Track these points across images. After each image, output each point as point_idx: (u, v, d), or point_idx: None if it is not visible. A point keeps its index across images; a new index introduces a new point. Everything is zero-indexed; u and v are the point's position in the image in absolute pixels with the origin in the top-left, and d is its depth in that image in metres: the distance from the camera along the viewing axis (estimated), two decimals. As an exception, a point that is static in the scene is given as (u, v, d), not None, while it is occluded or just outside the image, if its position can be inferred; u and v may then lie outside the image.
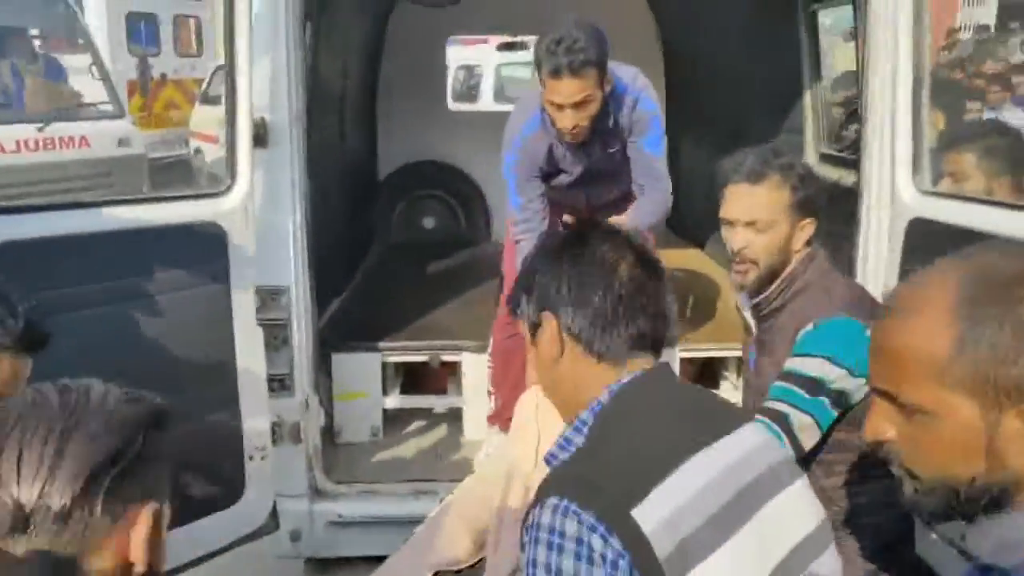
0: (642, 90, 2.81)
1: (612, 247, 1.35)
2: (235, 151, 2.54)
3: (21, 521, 0.89)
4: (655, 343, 1.36)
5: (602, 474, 1.18)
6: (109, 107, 7.52)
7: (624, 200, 3.09)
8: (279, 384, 2.91)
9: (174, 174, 10.29)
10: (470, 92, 11.77)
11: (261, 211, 2.71)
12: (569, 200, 3.05)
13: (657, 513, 1.13)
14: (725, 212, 2.11)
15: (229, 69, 2.49)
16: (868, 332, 1.01)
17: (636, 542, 1.11)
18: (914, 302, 0.95)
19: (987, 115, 5.03)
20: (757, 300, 2.13)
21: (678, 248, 5.37)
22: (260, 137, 2.69)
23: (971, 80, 6.33)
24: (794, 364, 1.98)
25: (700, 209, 5.51)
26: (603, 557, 1.11)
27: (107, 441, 0.92)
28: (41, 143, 6.87)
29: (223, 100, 2.55)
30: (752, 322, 2.20)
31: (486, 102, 10.91)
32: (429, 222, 6.13)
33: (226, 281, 2.56)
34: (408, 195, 6.04)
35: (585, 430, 1.32)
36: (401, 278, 4.70)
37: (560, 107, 2.62)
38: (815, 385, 1.94)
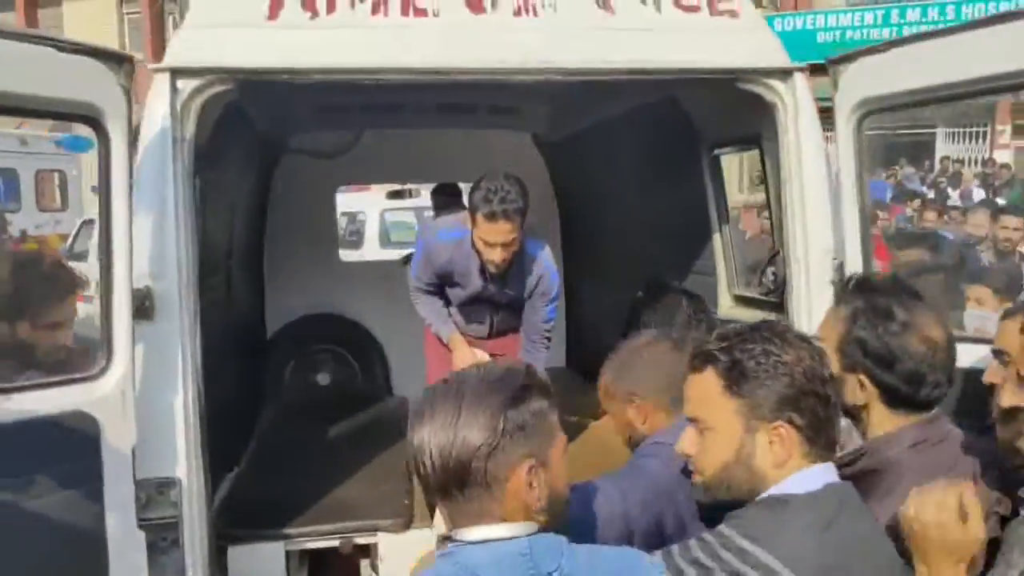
0: (548, 257, 3.43)
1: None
2: (111, 327, 2.19)
3: None
4: None
5: None
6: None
7: (516, 330, 3.69)
8: (168, 595, 2.46)
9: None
10: (352, 240, 11.57)
11: (144, 393, 2.34)
12: (475, 317, 3.70)
13: None
14: None
15: (104, 233, 2.17)
16: None
17: None
18: None
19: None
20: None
21: (589, 396, 5.15)
22: (144, 309, 2.37)
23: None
24: None
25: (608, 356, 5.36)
26: None
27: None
28: None
29: (98, 258, 2.20)
30: None
31: (371, 249, 10.70)
32: (324, 378, 5.75)
33: (99, 480, 2.14)
34: (300, 351, 5.67)
35: None
36: (298, 445, 4.26)
37: (492, 245, 3.16)
38: None
